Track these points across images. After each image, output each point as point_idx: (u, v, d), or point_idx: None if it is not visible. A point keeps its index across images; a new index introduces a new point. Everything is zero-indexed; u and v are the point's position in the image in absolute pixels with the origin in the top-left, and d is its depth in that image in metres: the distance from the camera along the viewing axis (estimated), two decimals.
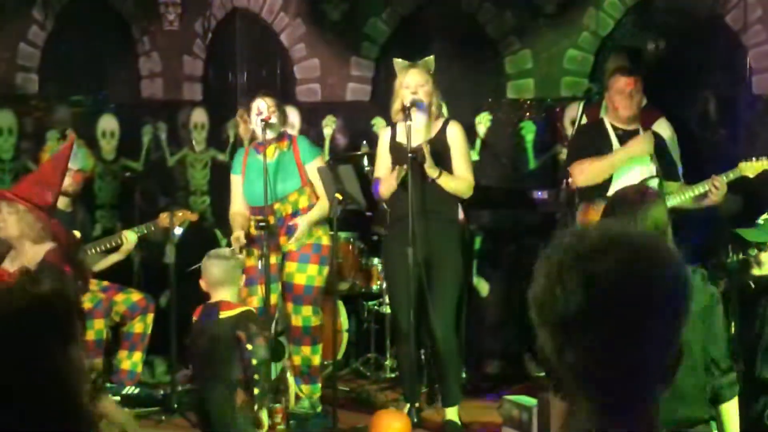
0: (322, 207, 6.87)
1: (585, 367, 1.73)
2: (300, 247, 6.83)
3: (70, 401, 2.04)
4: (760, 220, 5.72)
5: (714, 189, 6.36)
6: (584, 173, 6.62)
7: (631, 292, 1.71)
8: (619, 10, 8.16)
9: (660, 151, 6.63)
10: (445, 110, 6.90)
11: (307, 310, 6.84)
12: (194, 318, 5.76)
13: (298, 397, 6.93)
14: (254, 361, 5.52)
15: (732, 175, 6.42)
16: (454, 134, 6.52)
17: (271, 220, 6.73)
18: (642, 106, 6.80)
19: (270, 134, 6.80)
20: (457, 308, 6.52)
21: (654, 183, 6.44)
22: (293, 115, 8.75)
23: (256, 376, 5.54)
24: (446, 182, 6.39)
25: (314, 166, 6.86)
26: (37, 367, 2.00)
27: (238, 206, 6.99)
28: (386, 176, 6.56)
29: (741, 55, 7.78)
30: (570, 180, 7.00)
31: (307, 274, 6.86)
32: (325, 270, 6.92)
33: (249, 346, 5.52)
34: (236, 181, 7.00)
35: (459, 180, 6.46)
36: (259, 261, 6.72)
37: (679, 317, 1.76)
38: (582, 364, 1.73)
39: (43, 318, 2.06)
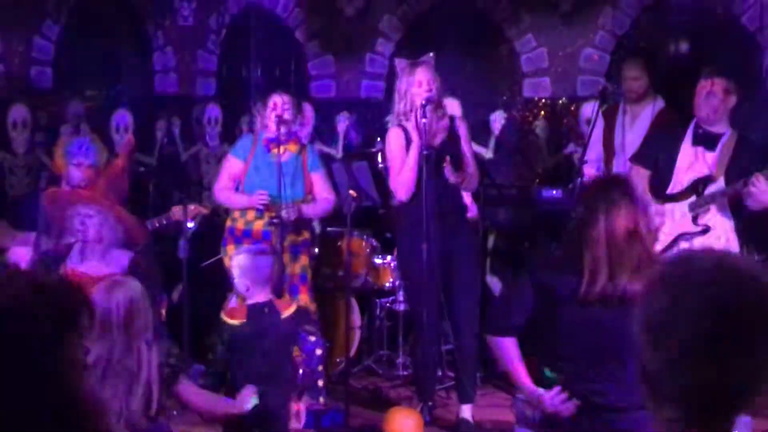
0: (318, 207, 6.89)
1: (697, 388, 1.81)
2: (292, 243, 6.84)
3: (67, 391, 2.03)
4: None
5: (752, 188, 6.07)
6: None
7: (751, 319, 1.79)
8: (635, 9, 8.13)
9: (747, 156, 6.37)
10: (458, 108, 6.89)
11: (303, 297, 6.83)
12: (231, 320, 5.55)
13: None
14: (318, 352, 5.50)
15: None
16: (463, 130, 6.52)
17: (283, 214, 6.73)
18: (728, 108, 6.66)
19: (282, 130, 6.79)
20: (477, 304, 6.47)
21: (709, 185, 6.42)
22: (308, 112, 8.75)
23: (320, 368, 5.54)
24: (467, 183, 6.41)
25: (318, 177, 6.90)
26: (35, 356, 2.00)
27: (223, 186, 6.97)
28: (402, 174, 6.54)
29: (757, 55, 7.81)
30: (585, 178, 6.97)
31: (301, 264, 6.89)
32: (311, 264, 6.99)
33: (312, 338, 5.50)
34: (236, 165, 6.94)
35: (474, 176, 6.47)
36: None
37: None
38: (696, 385, 1.81)
39: (47, 309, 2.04)
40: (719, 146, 6.52)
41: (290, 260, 6.80)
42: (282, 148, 6.73)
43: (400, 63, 6.61)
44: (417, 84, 6.39)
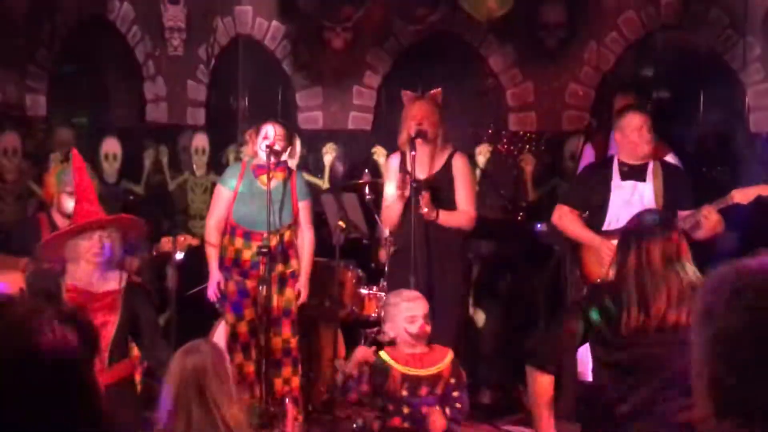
0: (312, 247, 6.98)
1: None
2: (279, 273, 6.87)
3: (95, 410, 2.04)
4: None
5: (704, 220, 6.23)
6: (561, 222, 6.75)
7: None
8: (620, 46, 8.20)
9: (673, 180, 6.63)
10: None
11: (286, 332, 6.84)
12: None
13: (294, 423, 6.94)
14: None
15: (723, 204, 6.29)
16: (459, 166, 6.61)
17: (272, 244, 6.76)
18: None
19: (272, 160, 6.82)
20: (456, 337, 6.53)
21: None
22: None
23: None
24: (446, 220, 6.50)
25: (305, 205, 6.96)
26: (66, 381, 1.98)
27: (217, 219, 6.99)
28: (387, 206, 6.62)
29: (740, 92, 7.85)
30: None
31: (286, 297, 6.92)
32: (297, 298, 6.99)
33: None
34: (226, 195, 6.98)
35: (459, 214, 6.55)
36: (260, 287, 6.77)
37: None
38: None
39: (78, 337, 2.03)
40: (649, 176, 6.62)
41: (276, 291, 6.83)
42: (270, 175, 6.77)
43: (406, 95, 6.71)
44: (411, 117, 6.51)
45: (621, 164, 6.68)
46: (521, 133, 8.51)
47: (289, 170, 6.98)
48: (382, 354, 5.58)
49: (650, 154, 6.66)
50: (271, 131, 6.87)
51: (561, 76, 8.36)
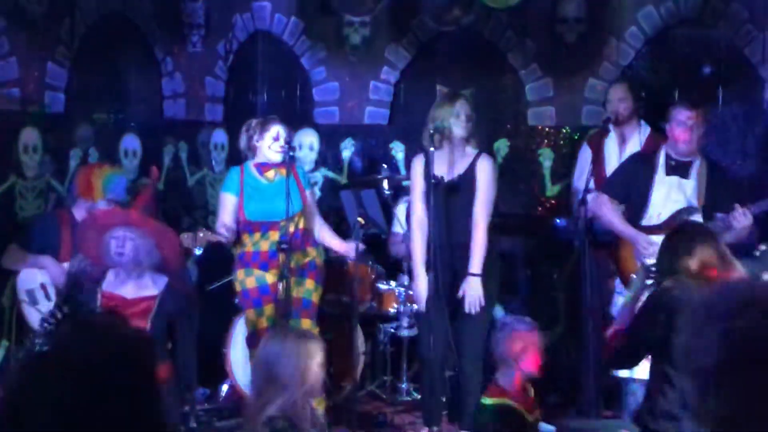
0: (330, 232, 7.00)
1: (724, 416, 1.85)
2: (297, 264, 6.83)
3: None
4: (757, 252, 5.70)
5: (735, 222, 6.24)
6: (601, 210, 6.70)
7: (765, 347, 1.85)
8: (639, 41, 8.18)
9: (718, 180, 6.61)
10: None
11: (306, 323, 6.84)
12: None
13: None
14: None
15: (765, 206, 6.34)
16: (483, 169, 6.53)
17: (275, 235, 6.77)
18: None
19: (277, 159, 6.85)
20: (483, 334, 6.46)
21: (693, 215, 6.50)
22: (310, 137, 8.87)
23: None
24: (480, 260, 6.44)
25: (309, 194, 6.99)
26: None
27: (224, 223, 6.94)
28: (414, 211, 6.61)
29: (759, 87, 7.81)
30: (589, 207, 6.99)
31: (306, 288, 6.88)
32: (320, 289, 6.97)
33: None
34: (230, 200, 6.94)
35: (478, 246, 6.47)
36: (279, 283, 6.74)
37: None
38: (721, 412, 1.85)
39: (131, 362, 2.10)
40: (693, 174, 6.60)
41: (295, 284, 6.81)
42: (273, 171, 6.83)
43: (440, 91, 6.68)
44: (435, 116, 6.50)
45: (668, 158, 6.66)
46: (540, 127, 8.47)
47: (290, 165, 6.93)
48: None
49: (696, 150, 6.64)
50: (283, 132, 6.89)
51: (580, 71, 8.32)
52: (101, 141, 8.48)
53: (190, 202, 9.13)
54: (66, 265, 6.83)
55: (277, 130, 6.87)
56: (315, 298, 6.93)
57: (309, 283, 6.91)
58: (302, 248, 6.86)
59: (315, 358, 4.47)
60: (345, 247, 6.97)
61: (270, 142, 6.85)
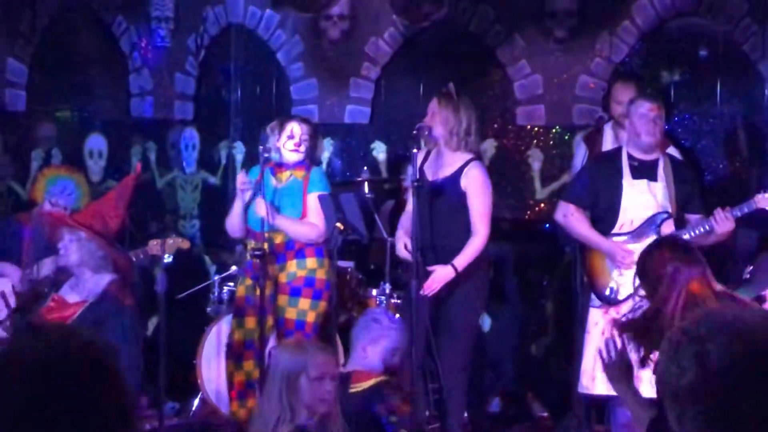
0: (302, 228, 6.64)
1: None
2: (292, 279, 6.61)
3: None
4: (747, 275, 5.52)
5: (716, 225, 6.09)
6: (567, 222, 6.54)
7: (739, 372, 1.88)
8: (633, 36, 7.97)
9: (683, 179, 6.48)
10: None
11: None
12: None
13: None
14: None
15: (747, 209, 6.19)
16: (472, 179, 6.35)
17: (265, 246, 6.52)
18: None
19: (294, 158, 6.68)
20: (466, 346, 6.38)
21: (666, 221, 6.32)
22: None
23: None
24: (463, 262, 6.25)
25: (312, 198, 6.71)
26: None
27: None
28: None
29: (758, 84, 7.69)
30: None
31: (299, 309, 6.65)
32: (321, 305, 6.69)
33: (393, 418, 5.17)
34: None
35: (473, 242, 6.28)
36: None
37: None
38: None
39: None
40: (661, 175, 6.39)
41: (286, 303, 6.58)
42: (288, 173, 6.67)
43: (451, 88, 6.51)
44: (427, 113, 6.38)
45: (630, 158, 6.47)
46: (529, 127, 8.29)
47: (309, 167, 6.75)
48: None
49: (658, 146, 6.51)
50: (297, 129, 6.69)
51: (571, 68, 8.13)
52: (64, 141, 8.34)
53: (159, 205, 8.98)
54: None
55: (291, 127, 6.69)
56: (311, 318, 6.67)
57: (303, 303, 6.65)
58: (282, 262, 6.60)
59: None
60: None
61: (285, 141, 6.67)
